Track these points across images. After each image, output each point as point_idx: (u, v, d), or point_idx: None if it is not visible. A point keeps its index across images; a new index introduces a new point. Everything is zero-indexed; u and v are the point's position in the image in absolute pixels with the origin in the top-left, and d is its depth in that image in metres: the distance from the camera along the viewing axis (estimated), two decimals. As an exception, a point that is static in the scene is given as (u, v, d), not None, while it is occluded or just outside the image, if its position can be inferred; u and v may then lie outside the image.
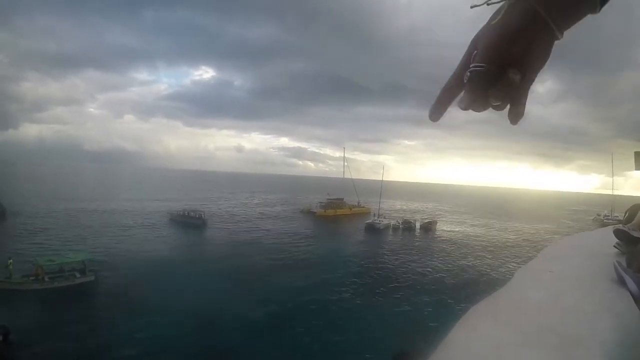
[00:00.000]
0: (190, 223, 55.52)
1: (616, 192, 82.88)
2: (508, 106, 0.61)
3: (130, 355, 17.90)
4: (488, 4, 0.60)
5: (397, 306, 25.75)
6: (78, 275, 27.28)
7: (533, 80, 0.59)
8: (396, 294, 28.36)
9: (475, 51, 0.60)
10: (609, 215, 71.58)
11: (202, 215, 57.59)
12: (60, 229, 46.31)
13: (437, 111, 0.66)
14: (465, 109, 0.61)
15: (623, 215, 3.55)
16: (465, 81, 0.60)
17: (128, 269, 30.64)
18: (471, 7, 0.62)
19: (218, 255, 37.27)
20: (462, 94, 0.62)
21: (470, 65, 0.59)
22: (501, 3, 0.58)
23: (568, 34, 0.59)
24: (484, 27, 0.60)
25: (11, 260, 25.69)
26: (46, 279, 25.89)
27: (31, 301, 23.24)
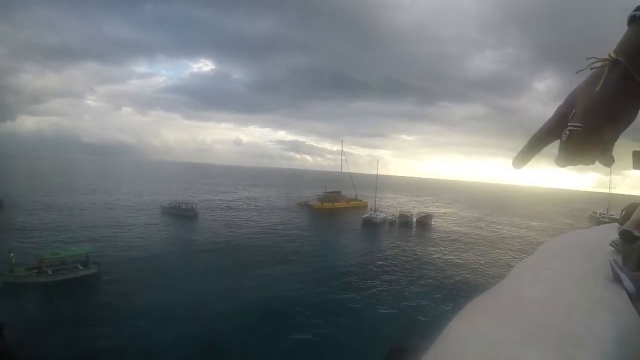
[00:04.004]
0: (182, 215, 55.99)
1: (613, 191, 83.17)
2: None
3: (132, 346, 17.97)
4: (591, 68, 0.64)
5: (393, 299, 25.84)
6: (81, 267, 27.29)
7: (617, 137, 0.65)
8: (393, 287, 28.47)
9: (574, 111, 0.65)
10: (604, 214, 71.86)
11: (194, 207, 58.16)
12: (58, 221, 46.30)
13: (524, 159, 0.71)
14: (562, 166, 0.67)
15: (619, 213, 3.57)
16: (563, 139, 0.65)
17: (125, 261, 30.72)
18: (577, 72, 0.67)
19: (212, 248, 37.36)
20: (558, 151, 0.67)
21: (569, 124, 0.64)
22: (601, 66, 0.63)
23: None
24: (583, 90, 0.65)
25: (12, 254, 25.58)
26: (49, 272, 25.87)
27: (35, 294, 23.26)
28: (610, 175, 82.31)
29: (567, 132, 0.64)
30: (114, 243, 36.44)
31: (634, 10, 0.61)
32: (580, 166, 0.67)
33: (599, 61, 0.63)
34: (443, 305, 24.83)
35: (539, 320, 1.55)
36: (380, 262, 35.70)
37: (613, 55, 0.61)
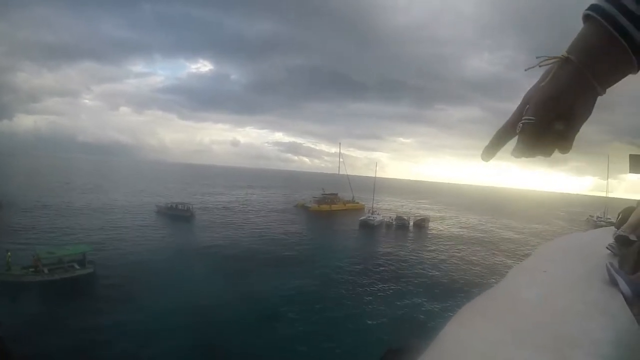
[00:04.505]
0: (178, 215, 55.60)
1: (610, 195, 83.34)
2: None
3: (128, 346, 17.91)
4: (540, 66, 0.68)
5: (391, 302, 25.81)
6: (77, 267, 27.07)
7: (578, 130, 0.67)
8: (390, 290, 28.44)
9: (528, 106, 0.68)
10: (601, 217, 72.07)
11: (190, 208, 57.59)
12: (55, 221, 46.05)
13: (490, 152, 0.76)
14: (518, 157, 0.70)
15: (616, 217, 3.59)
16: (517, 131, 0.69)
17: (121, 260, 30.64)
18: (525, 70, 0.72)
19: (208, 249, 37.23)
20: (515, 144, 0.70)
21: (523, 118, 0.68)
22: (552, 63, 0.66)
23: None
24: (535, 86, 0.69)
25: (10, 253, 25.39)
26: (45, 270, 25.64)
27: (30, 293, 23.12)
28: (608, 179, 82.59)
29: (521, 124, 0.68)
30: (111, 243, 36.25)
31: (586, 9, 0.64)
32: (539, 158, 0.71)
33: (549, 59, 0.66)
34: (440, 308, 24.81)
35: (535, 322, 1.56)
36: (377, 265, 35.62)
37: (565, 53, 0.64)
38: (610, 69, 0.63)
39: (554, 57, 0.66)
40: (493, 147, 0.75)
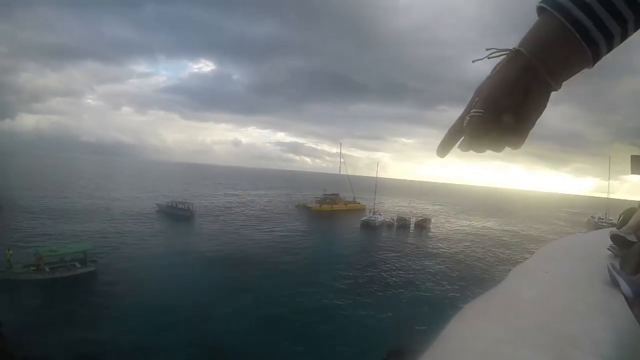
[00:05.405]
0: (178, 215, 55.35)
1: (612, 196, 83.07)
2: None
3: (128, 345, 17.92)
4: (489, 58, 0.66)
5: (392, 303, 25.80)
6: (78, 265, 27.20)
7: (532, 125, 0.64)
8: (392, 290, 28.42)
9: (477, 99, 0.66)
10: (603, 218, 71.77)
11: (190, 207, 57.21)
12: (56, 221, 46.09)
13: (444, 148, 0.74)
14: (464, 150, 0.68)
15: (617, 218, 3.58)
16: (464, 124, 0.67)
17: (122, 259, 30.68)
18: (473, 62, 0.70)
19: (208, 249, 37.23)
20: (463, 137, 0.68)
21: (471, 110, 0.66)
22: (502, 57, 0.65)
23: None
24: (486, 78, 0.67)
25: (11, 251, 25.51)
26: (47, 269, 25.77)
27: (31, 291, 23.21)
28: (609, 180, 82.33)
29: (468, 117, 0.67)
30: (112, 241, 36.27)
31: (540, 2, 0.62)
32: (489, 152, 0.69)
33: (499, 52, 0.65)
34: (441, 309, 24.78)
35: (537, 322, 1.56)
36: (379, 265, 35.62)
37: (516, 47, 0.63)
38: (564, 63, 0.61)
39: (504, 50, 0.64)
40: (447, 143, 0.73)
